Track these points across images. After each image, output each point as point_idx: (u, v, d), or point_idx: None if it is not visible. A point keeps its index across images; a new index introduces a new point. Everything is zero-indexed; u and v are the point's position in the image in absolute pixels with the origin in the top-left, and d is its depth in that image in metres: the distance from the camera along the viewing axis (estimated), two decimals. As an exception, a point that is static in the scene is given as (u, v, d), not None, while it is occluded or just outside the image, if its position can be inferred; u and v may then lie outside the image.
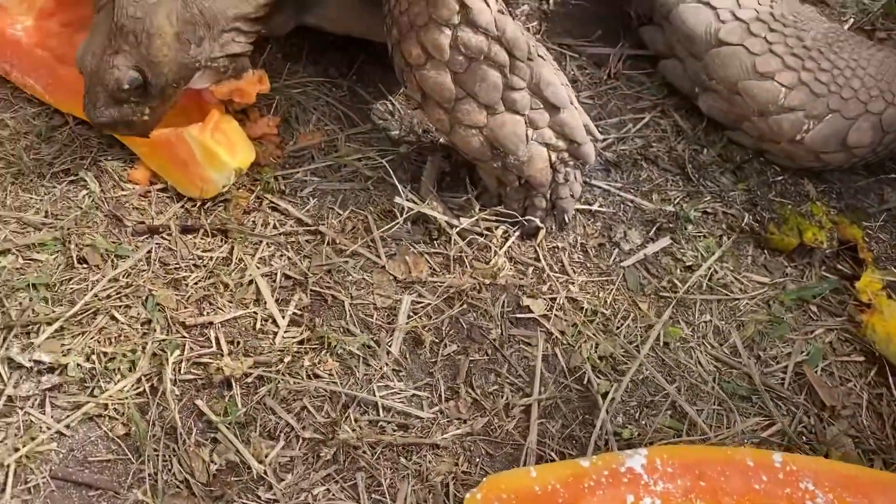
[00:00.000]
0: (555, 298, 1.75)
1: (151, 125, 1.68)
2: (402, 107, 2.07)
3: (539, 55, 1.61)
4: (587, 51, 2.27)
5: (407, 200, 1.77)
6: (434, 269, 1.75)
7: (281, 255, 1.73)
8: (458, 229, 1.77)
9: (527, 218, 1.79)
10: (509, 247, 1.80)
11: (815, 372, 1.70)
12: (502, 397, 1.60)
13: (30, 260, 1.65)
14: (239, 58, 1.70)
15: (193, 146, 1.72)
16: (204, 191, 1.75)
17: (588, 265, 1.83)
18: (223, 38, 1.65)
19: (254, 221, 1.77)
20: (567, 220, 1.83)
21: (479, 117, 1.62)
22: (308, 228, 1.78)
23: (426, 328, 1.67)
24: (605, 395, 1.61)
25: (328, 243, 1.76)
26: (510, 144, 1.64)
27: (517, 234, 1.82)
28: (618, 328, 1.72)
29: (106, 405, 1.49)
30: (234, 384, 1.54)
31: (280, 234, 1.76)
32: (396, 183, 1.80)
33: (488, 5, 1.55)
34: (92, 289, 1.61)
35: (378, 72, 2.11)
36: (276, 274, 1.70)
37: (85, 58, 1.60)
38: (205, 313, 1.62)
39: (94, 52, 1.59)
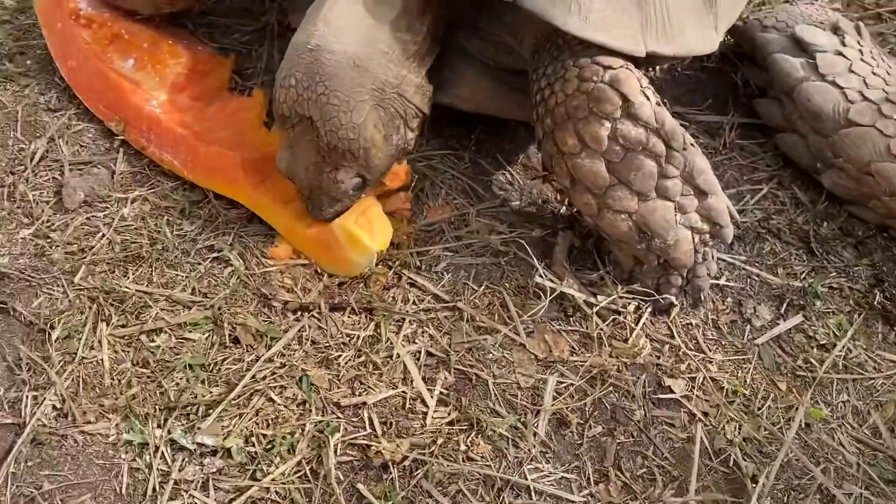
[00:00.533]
0: (694, 378, 1.76)
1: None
2: (521, 177, 2.10)
3: (690, 143, 1.63)
4: (697, 118, 2.29)
5: (547, 280, 1.79)
6: (573, 348, 1.77)
7: (423, 332, 1.76)
8: (597, 308, 1.79)
9: (664, 296, 1.80)
10: (643, 324, 1.81)
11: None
12: (652, 481, 1.61)
13: (183, 339, 1.68)
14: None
15: (336, 230, 1.77)
16: (347, 272, 1.79)
17: (723, 342, 1.84)
18: (413, 123, 1.75)
19: (394, 297, 1.80)
20: (702, 298, 1.84)
21: (630, 203, 1.64)
22: (446, 305, 1.80)
23: (571, 409, 1.68)
24: (753, 479, 1.62)
25: (467, 320, 1.78)
26: (660, 230, 1.66)
27: (650, 310, 1.84)
28: (759, 409, 1.73)
29: (268, 489, 1.51)
30: (391, 467, 1.56)
31: (420, 311, 1.78)
32: (535, 263, 1.82)
33: (649, 99, 1.58)
34: (248, 370, 1.63)
35: (495, 143, 2.15)
36: (420, 352, 1.72)
37: (298, 172, 1.69)
38: (357, 393, 1.64)
39: (308, 167, 1.67)
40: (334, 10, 1.64)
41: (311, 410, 1.60)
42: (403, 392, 1.66)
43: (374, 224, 1.82)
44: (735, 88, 2.35)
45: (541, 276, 1.80)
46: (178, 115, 1.92)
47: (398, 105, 1.71)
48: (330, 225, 1.75)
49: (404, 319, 1.76)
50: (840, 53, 2.04)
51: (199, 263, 1.80)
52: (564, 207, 2.04)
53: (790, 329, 1.86)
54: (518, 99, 1.94)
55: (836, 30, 2.12)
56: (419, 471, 1.56)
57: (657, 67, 2.18)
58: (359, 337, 1.72)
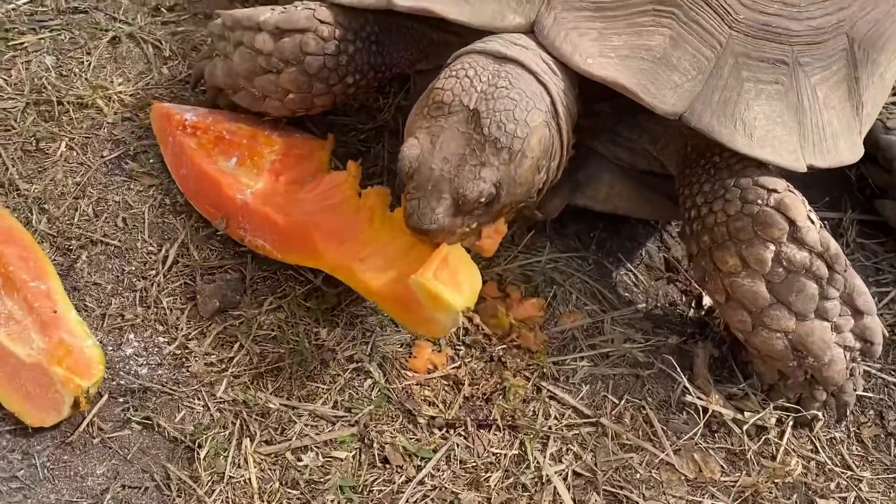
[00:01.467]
0: (846, 498, 1.71)
1: (461, 238, 1.66)
2: (645, 278, 2.08)
3: (849, 264, 1.61)
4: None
5: (696, 398, 1.76)
6: (722, 467, 1.73)
7: (568, 450, 1.72)
8: (746, 426, 1.75)
9: (811, 413, 1.77)
10: (787, 439, 1.77)
11: None
12: None
13: (330, 458, 1.65)
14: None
15: (415, 288, 1.62)
16: (431, 333, 1.72)
17: (869, 458, 1.79)
18: (552, 170, 1.68)
19: (535, 411, 1.77)
20: (847, 413, 1.80)
21: (788, 323, 1.62)
22: (588, 420, 1.77)
23: (726, 533, 1.64)
24: None
25: (611, 437, 1.75)
26: (816, 350, 1.64)
27: (791, 423, 1.80)
28: (917, 533, 1.68)
29: None
30: None
31: (563, 427, 1.75)
32: (678, 377, 1.79)
33: (814, 223, 1.56)
34: (400, 492, 1.60)
35: (615, 241, 2.13)
36: (567, 471, 1.69)
37: (433, 161, 1.56)
38: (511, 519, 1.61)
39: (448, 157, 1.56)
40: (518, 45, 1.65)
41: (466, 537, 1.57)
42: (556, 516, 1.62)
43: (459, 275, 1.66)
44: (849, 184, 2.34)
45: (689, 392, 1.77)
46: (268, 199, 1.90)
47: (556, 141, 1.67)
48: (409, 281, 1.61)
49: (549, 437, 1.73)
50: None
51: (339, 375, 1.77)
52: (692, 310, 2.03)
53: (938, 445, 1.82)
54: (649, 199, 1.94)
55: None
56: None
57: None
58: (505, 456, 1.69)
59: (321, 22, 1.82)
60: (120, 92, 2.25)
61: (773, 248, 1.57)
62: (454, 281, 1.62)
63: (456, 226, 1.59)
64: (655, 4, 1.58)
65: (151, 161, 2.12)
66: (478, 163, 1.54)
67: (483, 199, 1.56)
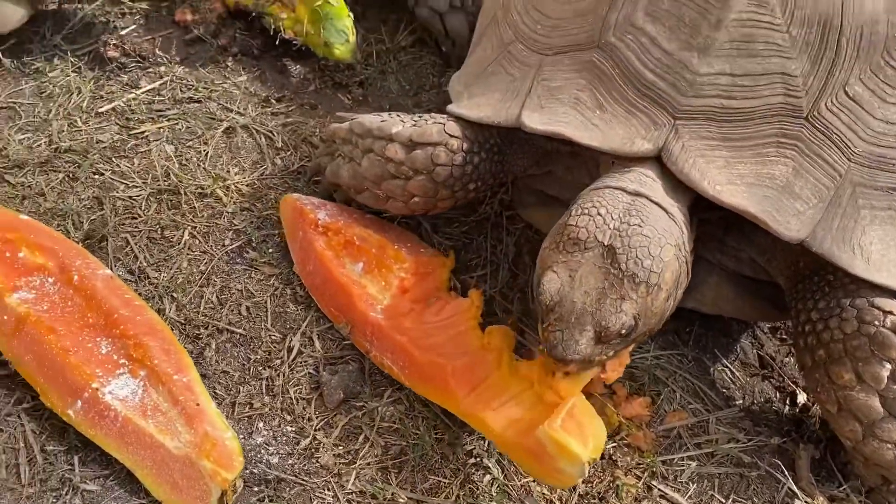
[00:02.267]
0: None
1: (596, 366, 1.75)
2: (742, 375, 2.16)
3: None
4: None
5: (804, 501, 1.83)
6: (831, 571, 1.79)
7: (682, 551, 1.79)
8: (854, 532, 1.82)
9: (911, 518, 1.83)
10: (891, 543, 1.83)
11: None
12: None
13: (458, 553, 1.73)
14: None
15: (543, 439, 1.71)
16: (559, 483, 1.78)
17: (972, 566, 1.85)
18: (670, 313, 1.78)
19: (647, 511, 1.84)
20: (950, 520, 1.86)
21: (900, 435, 1.69)
22: (699, 520, 1.84)
23: None
24: None
25: (722, 537, 1.82)
26: (927, 462, 1.71)
27: (893, 527, 1.86)
28: None
29: None
30: None
31: (675, 527, 1.82)
32: (789, 483, 1.86)
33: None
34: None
35: (711, 337, 2.22)
36: (682, 572, 1.76)
37: (573, 295, 1.65)
38: None
39: (588, 291, 1.64)
40: (645, 178, 1.76)
41: None
42: None
43: (585, 427, 1.75)
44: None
45: (796, 496, 1.84)
46: (399, 321, 2.00)
47: (684, 269, 1.76)
48: (537, 431, 1.70)
49: (665, 537, 1.80)
50: None
51: (460, 470, 1.86)
52: (787, 407, 2.10)
53: None
54: (752, 302, 2.04)
55: None
56: None
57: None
58: (625, 556, 1.76)
59: (451, 136, 1.96)
60: (237, 182, 2.39)
61: (889, 366, 1.65)
62: (580, 432, 1.72)
63: (595, 355, 1.68)
64: (779, 137, 1.69)
65: (271, 251, 2.25)
66: (618, 296, 1.63)
67: (624, 331, 1.65)
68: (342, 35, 2.56)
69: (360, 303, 2.00)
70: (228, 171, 2.42)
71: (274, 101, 2.63)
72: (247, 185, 2.39)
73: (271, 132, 2.54)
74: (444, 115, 2.03)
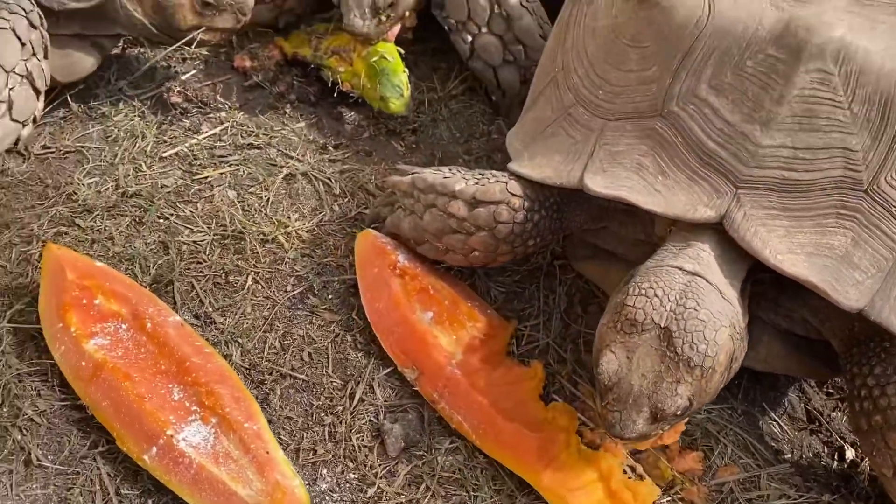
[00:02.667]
0: None
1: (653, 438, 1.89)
2: (790, 429, 2.20)
3: None
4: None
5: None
6: None
7: None
8: None
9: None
10: None
11: None
12: None
13: None
14: None
15: None
16: None
17: None
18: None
19: (703, 566, 1.89)
20: None
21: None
22: (753, 576, 1.88)
23: None
24: None
25: None
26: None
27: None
28: None
29: None
30: None
31: (731, 583, 1.86)
32: (840, 540, 1.91)
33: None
34: None
35: (760, 390, 2.26)
36: None
37: (631, 377, 1.75)
38: None
39: (646, 374, 1.74)
40: (702, 253, 1.82)
41: None
42: None
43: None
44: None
45: (850, 557, 1.88)
46: (475, 379, 2.06)
47: (739, 346, 1.84)
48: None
49: None
50: None
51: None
52: (836, 462, 2.14)
53: None
54: (803, 360, 2.09)
55: None
56: None
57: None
58: None
59: (512, 195, 2.04)
60: (298, 228, 2.47)
61: (947, 435, 1.70)
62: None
63: (651, 431, 1.78)
64: (839, 208, 1.75)
65: (331, 297, 2.32)
66: (673, 380, 1.72)
67: (679, 413, 1.74)
68: (397, 90, 2.65)
69: (436, 353, 2.07)
70: (289, 217, 2.50)
71: (331, 148, 2.72)
72: (307, 232, 2.47)
73: (329, 179, 2.62)
74: (505, 174, 2.10)
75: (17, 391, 2.03)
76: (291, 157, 2.67)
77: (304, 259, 2.41)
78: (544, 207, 2.06)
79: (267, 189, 2.57)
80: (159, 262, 2.34)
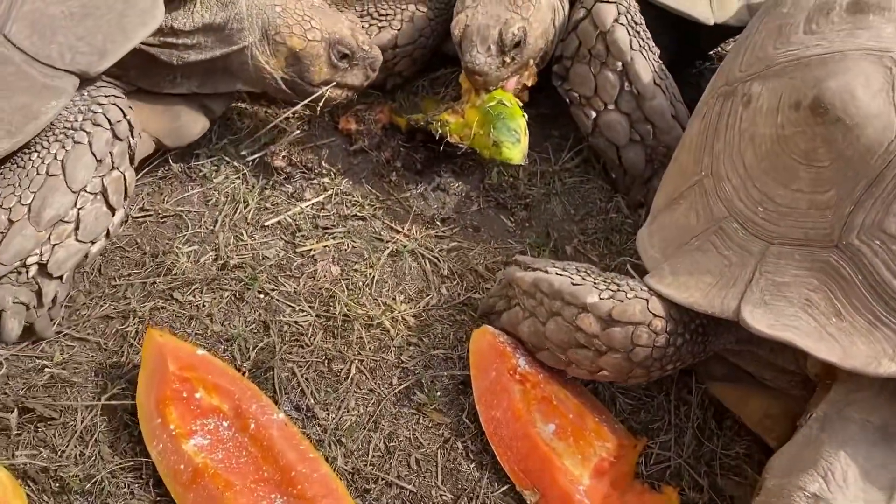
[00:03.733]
0: None
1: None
2: None
3: None
4: None
5: None
6: None
7: None
8: None
9: None
10: None
11: None
12: None
13: None
14: None
15: None
16: None
17: None
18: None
19: None
20: None
21: None
22: None
23: None
24: None
25: None
26: None
27: None
28: None
29: None
30: None
31: None
32: None
33: None
34: None
35: None
36: None
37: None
38: None
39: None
40: (835, 466, 1.59)
41: None
42: None
43: None
44: None
45: None
46: None
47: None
48: None
49: None
50: None
51: None
52: None
53: None
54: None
55: None
56: None
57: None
58: None
59: (655, 315, 1.81)
60: (404, 311, 2.31)
61: None
62: None
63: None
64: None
65: (439, 395, 2.14)
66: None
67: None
68: (513, 134, 2.42)
69: (561, 476, 1.86)
70: (394, 299, 2.34)
71: (438, 223, 2.55)
72: (413, 316, 2.31)
73: (436, 258, 2.46)
74: (643, 287, 1.88)
75: (109, 488, 1.90)
76: (398, 232, 2.52)
77: (411, 348, 2.24)
78: (688, 331, 1.83)
79: (371, 266, 2.42)
80: (260, 344, 2.20)
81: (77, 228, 2.05)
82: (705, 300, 1.77)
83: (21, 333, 2.07)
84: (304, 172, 2.64)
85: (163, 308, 2.27)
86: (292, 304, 2.30)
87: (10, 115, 1.97)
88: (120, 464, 1.94)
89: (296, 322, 2.27)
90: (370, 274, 2.40)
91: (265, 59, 2.40)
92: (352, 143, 2.73)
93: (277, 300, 2.31)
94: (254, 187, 2.59)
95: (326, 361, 2.19)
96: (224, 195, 2.58)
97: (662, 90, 2.40)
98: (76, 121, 2.05)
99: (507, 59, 2.46)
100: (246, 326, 2.25)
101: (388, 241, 2.48)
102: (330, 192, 2.61)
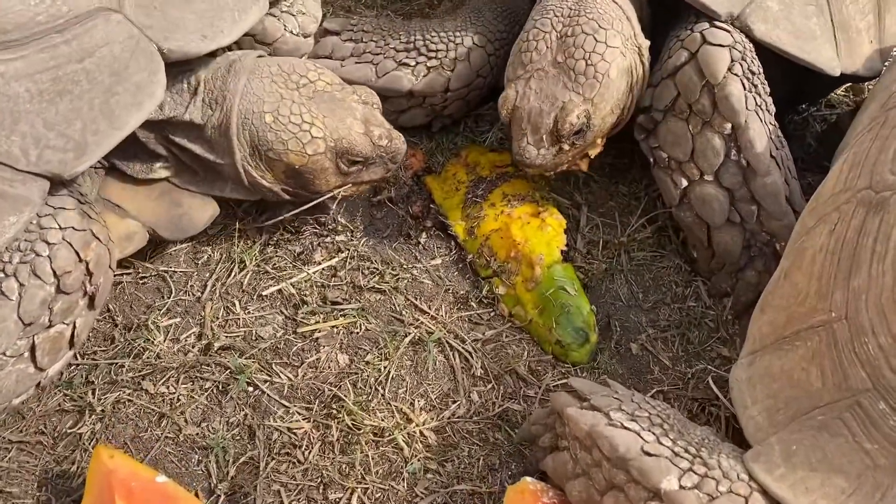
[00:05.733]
0: None
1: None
2: None
3: None
4: None
5: None
6: None
7: None
8: None
9: None
10: None
11: None
12: None
13: None
14: None
15: None
16: None
17: None
18: None
19: None
20: None
21: None
22: None
23: None
24: None
25: None
26: None
27: None
28: None
29: None
30: None
31: None
32: None
33: None
34: None
35: None
36: None
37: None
38: None
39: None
40: None
41: None
42: None
43: None
44: None
45: None
46: None
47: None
48: None
49: None
50: None
51: None
52: None
53: None
54: None
55: None
56: None
57: None
58: None
59: None
60: (423, 423, 1.85)
61: None
62: None
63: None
64: None
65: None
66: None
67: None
68: (580, 335, 1.95)
69: None
70: (412, 405, 1.88)
71: (473, 304, 2.08)
72: (434, 431, 1.85)
73: (469, 352, 1.98)
74: (744, 476, 1.37)
75: None
76: (423, 312, 2.04)
77: (429, 476, 1.78)
78: None
79: (387, 358, 1.95)
80: (242, 457, 1.77)
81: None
82: None
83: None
84: (315, 228, 2.18)
85: (129, 401, 1.84)
86: (287, 404, 1.86)
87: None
88: None
89: (289, 429, 1.83)
90: (385, 368, 1.94)
91: (259, 175, 1.94)
92: (376, 192, 2.26)
93: (269, 397, 1.87)
94: (254, 243, 2.15)
95: (322, 487, 1.75)
96: (218, 252, 2.14)
97: (777, 164, 1.86)
98: (10, 262, 1.56)
99: (566, 147, 1.98)
100: (227, 430, 1.82)
101: (409, 325, 2.02)
102: (345, 255, 2.14)
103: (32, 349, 1.59)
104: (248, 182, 1.94)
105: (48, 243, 1.58)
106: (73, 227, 1.63)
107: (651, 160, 2.05)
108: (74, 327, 1.67)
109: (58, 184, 1.60)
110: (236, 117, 1.85)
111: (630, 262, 2.19)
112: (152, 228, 1.93)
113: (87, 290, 1.66)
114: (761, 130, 1.85)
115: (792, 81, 2.06)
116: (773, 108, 1.90)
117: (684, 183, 1.97)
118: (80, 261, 1.63)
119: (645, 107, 2.03)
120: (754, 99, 1.84)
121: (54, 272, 1.58)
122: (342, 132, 1.90)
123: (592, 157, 2.07)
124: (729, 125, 1.87)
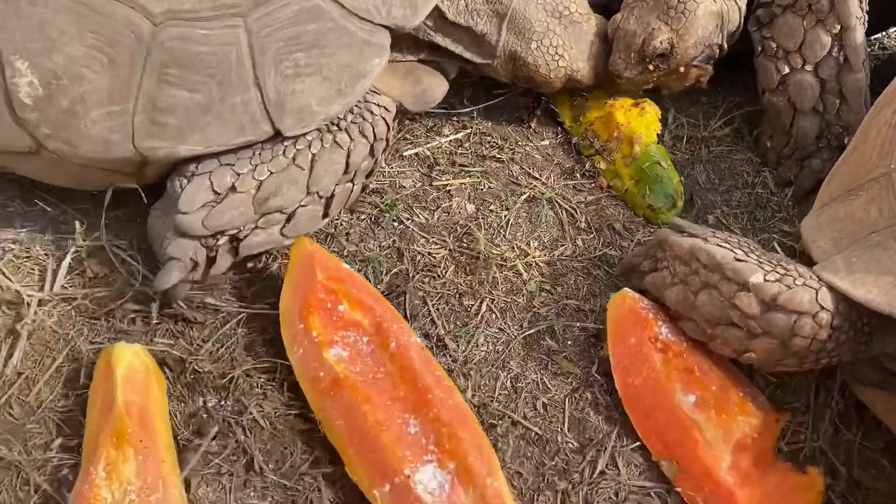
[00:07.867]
0: None
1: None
2: None
3: None
4: None
5: None
6: None
7: None
8: None
9: None
10: None
11: None
12: None
13: None
14: None
15: None
16: None
17: None
18: None
19: None
20: None
21: None
22: None
23: None
24: None
25: None
26: None
27: None
28: None
29: None
30: None
31: None
32: None
33: None
34: None
35: None
36: None
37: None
38: None
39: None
40: None
41: None
42: None
43: None
44: None
45: None
46: (747, 488, 1.78)
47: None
48: None
49: None
50: None
51: None
52: None
53: None
54: None
55: None
56: None
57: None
58: None
59: (822, 307, 1.72)
60: (538, 258, 2.27)
61: None
62: None
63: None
64: None
65: (570, 344, 2.10)
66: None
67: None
68: (670, 200, 2.37)
69: (704, 452, 1.80)
70: (529, 244, 2.30)
71: (578, 175, 2.50)
72: (546, 263, 2.26)
73: (574, 209, 2.40)
74: (815, 277, 1.77)
75: (243, 387, 1.92)
76: (535, 179, 2.47)
77: (543, 294, 2.20)
78: (854, 329, 1.74)
79: (507, 209, 2.37)
80: (393, 269, 2.19)
81: (287, 222, 1.96)
82: (884, 299, 1.67)
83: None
84: (444, 108, 2.60)
85: (301, 222, 2.27)
86: (426, 235, 2.28)
87: (337, 73, 1.87)
88: (254, 364, 1.96)
89: (429, 253, 2.25)
90: (505, 216, 2.36)
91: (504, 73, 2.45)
92: (495, 82, 2.68)
93: (412, 229, 2.29)
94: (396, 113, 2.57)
95: (458, 296, 2.17)
96: (364, 121, 2.56)
97: (865, 69, 2.29)
98: (345, 119, 1.96)
99: (651, 67, 2.41)
100: (381, 251, 2.24)
101: (525, 187, 2.43)
102: (469, 131, 2.57)
103: (330, 198, 1.99)
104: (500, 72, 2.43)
105: (372, 114, 2.02)
106: (385, 108, 2.08)
107: (759, 49, 2.43)
108: (352, 192, 2.08)
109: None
110: (505, 32, 2.34)
111: (709, 154, 2.60)
112: (400, 102, 2.26)
113: (378, 160, 2.10)
114: (862, 35, 2.27)
115: (876, 10, 2.44)
116: (867, 22, 2.31)
117: (786, 70, 2.37)
118: (387, 135, 2.07)
119: (766, 2, 2.40)
120: (862, 9, 2.26)
121: (374, 135, 2.01)
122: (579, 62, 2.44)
123: (700, 86, 2.52)
124: (839, 26, 2.26)
